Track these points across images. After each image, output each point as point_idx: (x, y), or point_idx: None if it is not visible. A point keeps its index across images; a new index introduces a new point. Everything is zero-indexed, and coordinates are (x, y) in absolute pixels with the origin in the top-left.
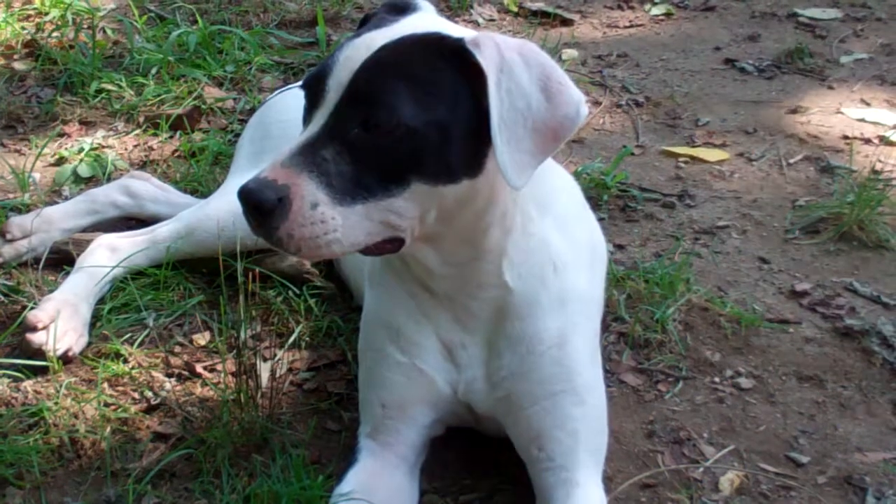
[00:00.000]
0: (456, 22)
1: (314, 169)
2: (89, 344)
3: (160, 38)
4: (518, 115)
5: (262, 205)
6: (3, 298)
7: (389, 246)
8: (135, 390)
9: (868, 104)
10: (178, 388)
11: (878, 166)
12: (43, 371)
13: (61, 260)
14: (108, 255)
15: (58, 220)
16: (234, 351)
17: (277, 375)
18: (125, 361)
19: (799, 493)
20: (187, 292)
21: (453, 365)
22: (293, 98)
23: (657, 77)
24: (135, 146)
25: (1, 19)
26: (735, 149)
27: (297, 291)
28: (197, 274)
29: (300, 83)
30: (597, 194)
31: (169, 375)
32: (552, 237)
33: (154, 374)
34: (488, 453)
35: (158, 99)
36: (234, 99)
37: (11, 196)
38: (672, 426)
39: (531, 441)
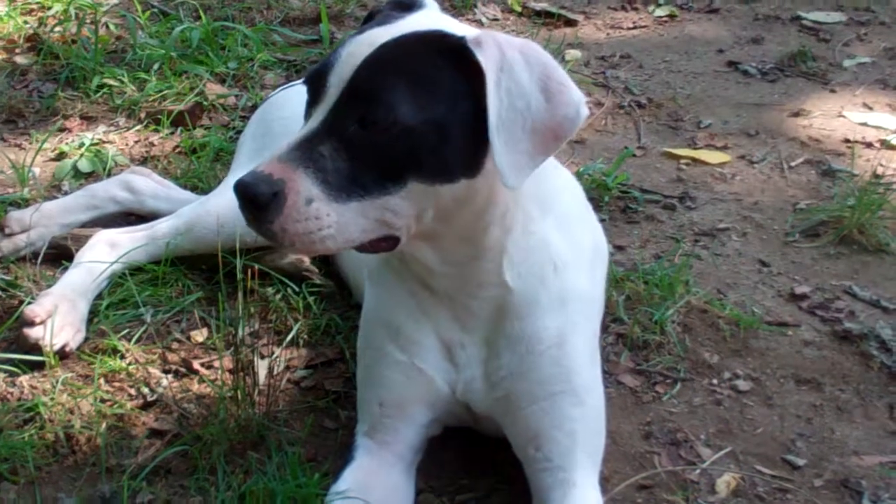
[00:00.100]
0: (459, 21)
1: (310, 165)
2: (86, 339)
3: (163, 33)
4: (517, 115)
5: (257, 199)
6: (0, 293)
7: (385, 244)
8: (131, 386)
9: (870, 108)
10: (175, 384)
11: (880, 170)
12: (39, 366)
13: (60, 255)
14: (106, 251)
15: (57, 214)
16: (232, 348)
17: (275, 373)
18: (122, 357)
19: (795, 496)
20: (186, 289)
21: (452, 364)
22: (295, 95)
23: (660, 78)
24: (136, 142)
25: (3, 13)
26: (736, 151)
27: (296, 289)
28: (196, 270)
29: (303, 79)
30: (598, 195)
31: (166, 372)
32: (553, 237)
33: (151, 370)
34: (485, 453)
35: (160, 95)
36: (236, 96)
37: (11, 190)
38: (669, 428)
39: (529, 441)
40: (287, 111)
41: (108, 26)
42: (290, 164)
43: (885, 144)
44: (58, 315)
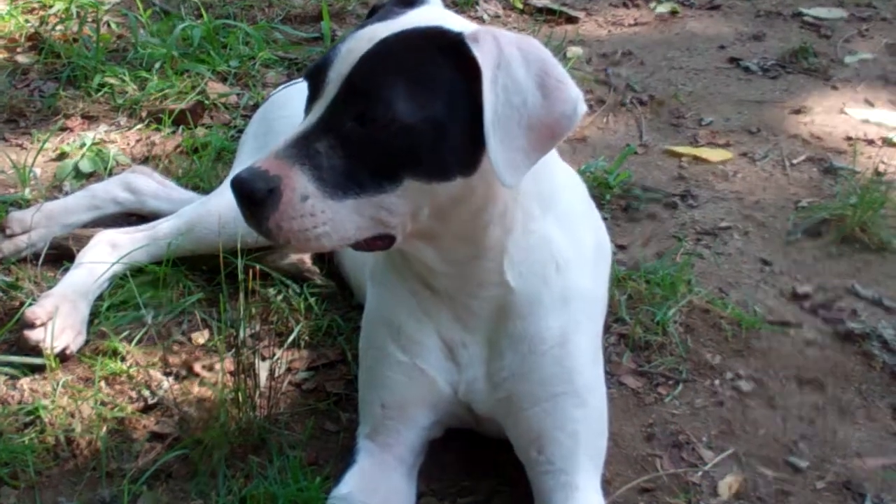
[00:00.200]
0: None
1: (307, 161)
2: (87, 341)
3: (164, 32)
4: (513, 111)
5: (252, 195)
6: (1, 294)
7: (380, 243)
8: (132, 389)
9: (872, 105)
10: (176, 387)
11: (882, 168)
12: (40, 369)
13: (61, 255)
14: (108, 252)
15: (58, 215)
16: (233, 350)
17: (276, 375)
18: (123, 360)
19: (798, 498)
20: (187, 290)
21: (454, 364)
22: (297, 93)
23: (661, 76)
24: (137, 141)
25: (5, 12)
26: (738, 149)
27: (298, 290)
28: (197, 271)
29: (304, 74)
30: (599, 193)
31: (167, 374)
32: (555, 235)
33: (152, 372)
34: (487, 455)
35: (161, 94)
36: (238, 94)
37: (12, 191)
38: (671, 430)
39: (531, 443)
40: (289, 110)
41: (109, 25)
42: (287, 160)
43: (887, 142)
44: (58, 317)
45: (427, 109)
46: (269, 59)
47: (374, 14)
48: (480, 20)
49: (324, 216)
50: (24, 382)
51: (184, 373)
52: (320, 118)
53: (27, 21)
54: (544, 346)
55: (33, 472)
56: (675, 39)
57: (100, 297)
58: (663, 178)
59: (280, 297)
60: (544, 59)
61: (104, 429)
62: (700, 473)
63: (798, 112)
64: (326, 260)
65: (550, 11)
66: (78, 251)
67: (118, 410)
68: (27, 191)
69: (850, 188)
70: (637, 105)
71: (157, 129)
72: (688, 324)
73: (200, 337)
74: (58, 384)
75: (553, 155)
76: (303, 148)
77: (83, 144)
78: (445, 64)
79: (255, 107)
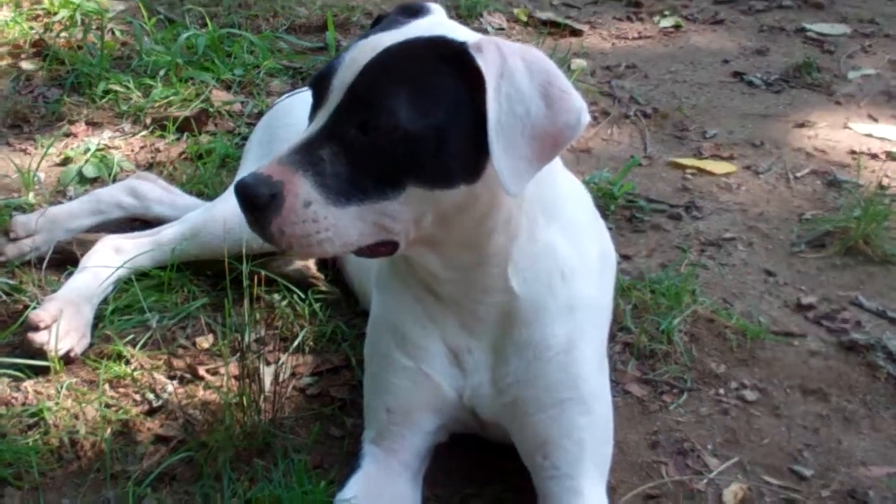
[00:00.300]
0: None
1: (310, 168)
2: (91, 345)
3: (169, 40)
4: (517, 120)
5: (255, 199)
6: (5, 297)
7: (383, 249)
8: (136, 392)
9: (875, 120)
10: (180, 390)
11: (885, 182)
12: (44, 371)
13: (65, 260)
14: (112, 256)
15: (62, 219)
16: (238, 354)
17: (280, 380)
18: (127, 363)
19: None
20: (191, 295)
21: (459, 370)
22: (301, 102)
23: (665, 89)
24: (141, 147)
25: (9, 18)
26: (742, 161)
27: (302, 296)
28: (201, 276)
29: (308, 83)
30: (604, 204)
31: (171, 378)
32: (560, 244)
33: (156, 376)
34: (492, 461)
35: (166, 101)
36: (242, 102)
37: (16, 195)
38: (676, 437)
39: (536, 448)
40: (293, 118)
41: (113, 32)
42: (290, 166)
43: (891, 156)
44: (63, 320)
45: (430, 118)
46: (273, 68)
47: (379, 23)
48: (484, 32)
49: (326, 222)
50: (28, 384)
51: (188, 376)
52: (324, 125)
53: (31, 28)
54: (550, 353)
55: (37, 473)
56: (679, 53)
57: (104, 301)
58: (667, 189)
59: (285, 303)
60: (548, 70)
61: (108, 431)
62: (705, 481)
63: (802, 126)
64: (331, 266)
65: (555, 24)
66: (82, 255)
67: (122, 413)
68: (31, 195)
69: (854, 201)
70: (641, 117)
71: (162, 136)
72: (692, 333)
73: (205, 341)
74: (62, 386)
75: (557, 164)
76: (306, 155)
77: (87, 150)
78: (449, 73)
79: (260, 115)
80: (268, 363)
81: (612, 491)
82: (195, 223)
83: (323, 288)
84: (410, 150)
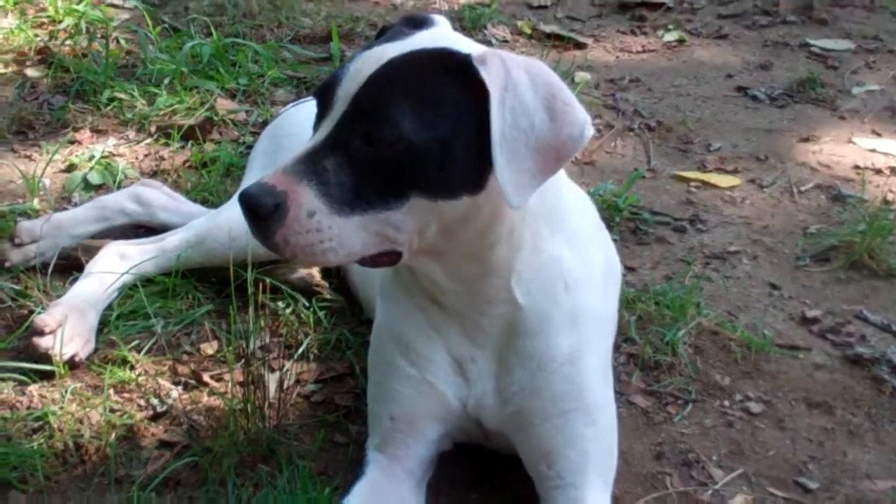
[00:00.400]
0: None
1: (314, 178)
2: (96, 350)
3: (174, 48)
4: (520, 133)
5: (259, 210)
6: (10, 302)
7: (386, 259)
8: (141, 397)
9: (879, 135)
10: (185, 396)
11: (890, 196)
12: (49, 375)
13: (69, 266)
14: (117, 262)
15: (67, 225)
16: (242, 361)
17: (285, 387)
18: (132, 368)
19: None
20: (196, 301)
21: (463, 379)
22: (306, 112)
23: (669, 102)
24: (146, 155)
25: (15, 26)
26: (746, 175)
27: (307, 303)
28: (206, 283)
29: (312, 93)
30: (608, 216)
31: (176, 383)
32: (564, 255)
33: (161, 381)
34: (496, 470)
35: (170, 109)
36: (247, 111)
37: (21, 201)
38: (681, 448)
39: (541, 458)
40: (298, 128)
41: (118, 41)
42: (294, 176)
43: (895, 171)
44: (67, 325)
45: (434, 129)
46: (277, 78)
47: (383, 34)
48: (488, 44)
49: (330, 232)
50: (33, 389)
51: (193, 382)
52: (328, 136)
53: (36, 35)
54: (554, 364)
55: (42, 476)
56: (683, 67)
57: (109, 307)
58: (672, 202)
59: (289, 311)
60: (552, 83)
61: (113, 435)
62: (710, 492)
63: (806, 140)
64: (336, 274)
65: (559, 37)
66: (87, 261)
67: (127, 418)
68: (36, 201)
69: (859, 216)
70: (645, 130)
71: (166, 144)
72: (697, 345)
73: (209, 348)
74: (66, 391)
75: (561, 176)
76: (310, 165)
77: (92, 157)
78: (452, 85)
79: (264, 124)
80: (272, 370)
81: (616, 501)
82: (200, 230)
83: (327, 296)
84: (414, 161)
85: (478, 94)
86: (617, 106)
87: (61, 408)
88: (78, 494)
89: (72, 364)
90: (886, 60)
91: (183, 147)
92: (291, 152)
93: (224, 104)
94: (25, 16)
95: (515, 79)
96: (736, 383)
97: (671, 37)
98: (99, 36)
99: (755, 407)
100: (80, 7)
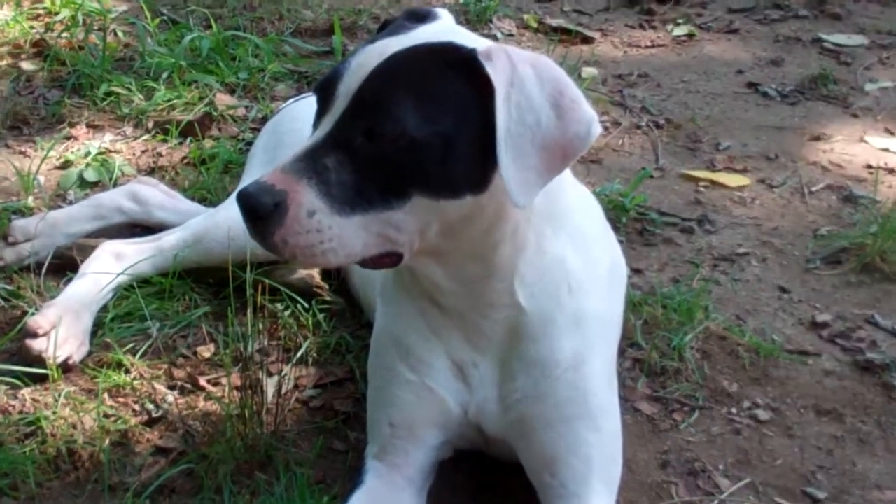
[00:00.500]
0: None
1: (314, 176)
2: (90, 353)
3: (172, 42)
4: (526, 130)
5: (258, 209)
6: (3, 303)
7: (387, 260)
8: (136, 402)
9: (892, 133)
10: (181, 401)
11: None
12: (42, 379)
13: (64, 265)
14: (112, 262)
15: (62, 224)
16: (240, 365)
17: (283, 391)
18: (127, 372)
19: None
20: (193, 303)
21: (465, 385)
22: (307, 107)
23: (678, 99)
24: (143, 151)
25: (10, 18)
26: (756, 175)
27: (306, 306)
28: (203, 284)
29: (313, 88)
30: (615, 216)
31: (171, 388)
32: (568, 256)
33: (156, 385)
34: (497, 478)
35: (169, 104)
36: (247, 107)
37: (15, 199)
38: (687, 457)
39: (544, 466)
40: (298, 123)
41: (116, 33)
42: (294, 175)
43: None
44: (61, 327)
45: (437, 125)
46: (278, 72)
47: (386, 28)
48: (494, 38)
49: (330, 232)
50: (26, 392)
51: (189, 387)
52: (329, 133)
53: (32, 27)
54: (558, 370)
55: (34, 483)
56: (693, 63)
57: (104, 308)
58: (680, 202)
59: (288, 313)
60: (558, 79)
61: (107, 441)
62: (716, 502)
63: (817, 139)
64: (336, 276)
65: (565, 31)
66: (81, 261)
67: (121, 423)
68: (30, 199)
69: (871, 217)
70: (653, 128)
71: (164, 140)
72: (704, 350)
73: (206, 351)
74: (60, 395)
75: (566, 175)
76: (311, 162)
77: (88, 153)
78: (456, 80)
79: (264, 119)
80: (270, 374)
81: None
82: (198, 229)
83: (327, 298)
84: (416, 157)
85: (482, 89)
86: (624, 102)
87: (54, 412)
88: (70, 502)
89: (65, 367)
90: None
91: (181, 143)
92: (292, 148)
93: (223, 99)
94: (21, 7)
95: (521, 74)
96: (744, 390)
97: (680, 31)
98: (96, 28)
99: (763, 414)
100: None
